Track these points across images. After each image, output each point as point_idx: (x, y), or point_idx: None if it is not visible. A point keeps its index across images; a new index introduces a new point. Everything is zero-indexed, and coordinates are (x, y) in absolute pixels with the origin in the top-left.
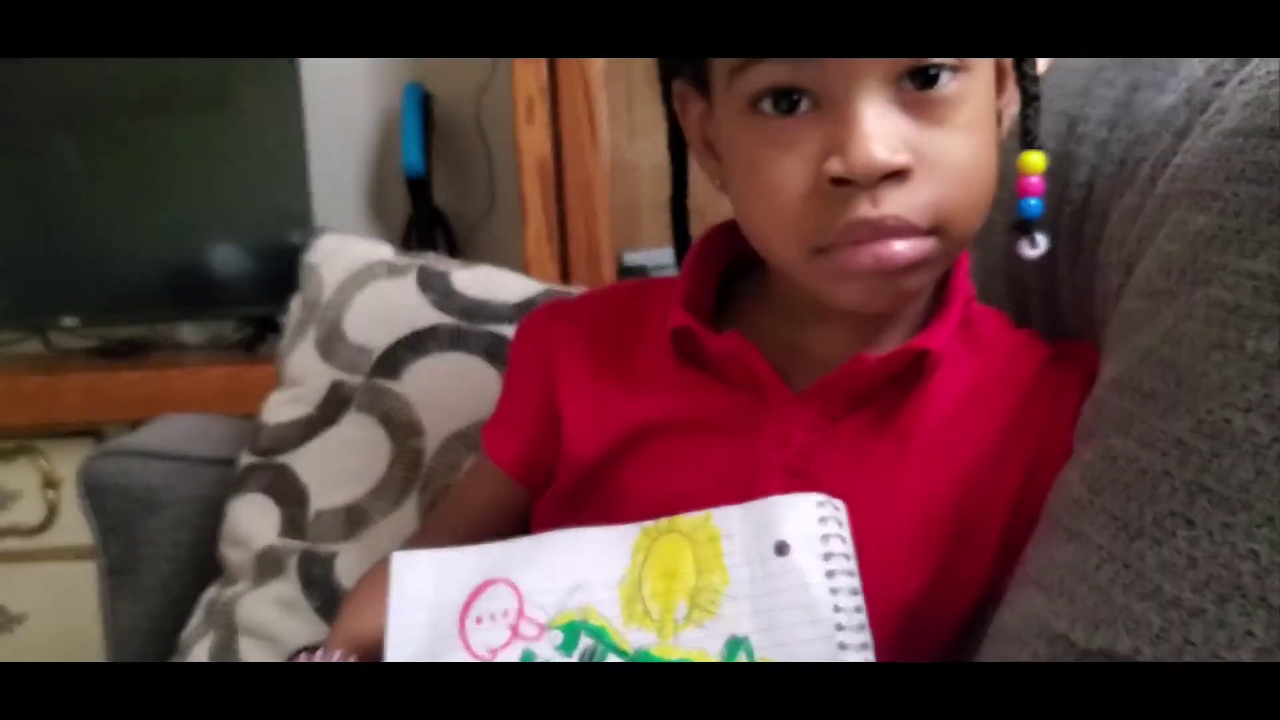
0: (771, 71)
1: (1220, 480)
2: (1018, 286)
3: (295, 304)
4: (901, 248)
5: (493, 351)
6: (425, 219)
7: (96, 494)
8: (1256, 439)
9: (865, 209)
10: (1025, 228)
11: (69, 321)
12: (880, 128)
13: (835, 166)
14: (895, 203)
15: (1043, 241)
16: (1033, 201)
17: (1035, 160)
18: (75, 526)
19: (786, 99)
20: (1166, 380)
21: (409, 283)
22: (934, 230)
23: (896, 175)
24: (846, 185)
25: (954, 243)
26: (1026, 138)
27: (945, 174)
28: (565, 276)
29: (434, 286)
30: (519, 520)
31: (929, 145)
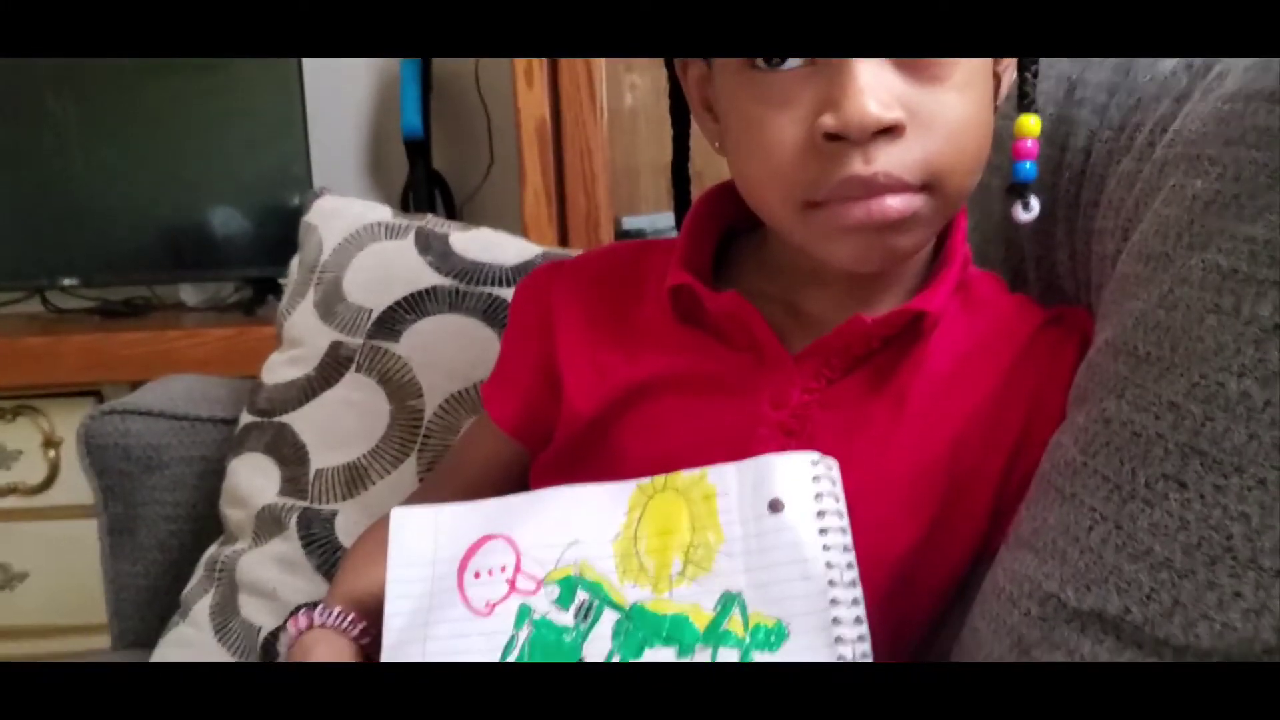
0: None
1: (1213, 444)
2: (1015, 251)
3: (294, 265)
4: (892, 203)
5: (491, 313)
6: (424, 181)
7: (97, 453)
8: (1250, 403)
9: (857, 165)
10: (1019, 191)
11: (69, 282)
12: (874, 84)
13: (829, 122)
14: (887, 160)
15: (1036, 205)
16: (1027, 165)
17: (1031, 124)
18: (76, 486)
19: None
20: (1161, 344)
21: (407, 244)
22: (926, 187)
23: (889, 132)
24: (839, 141)
25: (946, 201)
26: (1023, 101)
27: (938, 132)
28: (564, 240)
29: (432, 248)
30: (517, 480)
31: (922, 103)
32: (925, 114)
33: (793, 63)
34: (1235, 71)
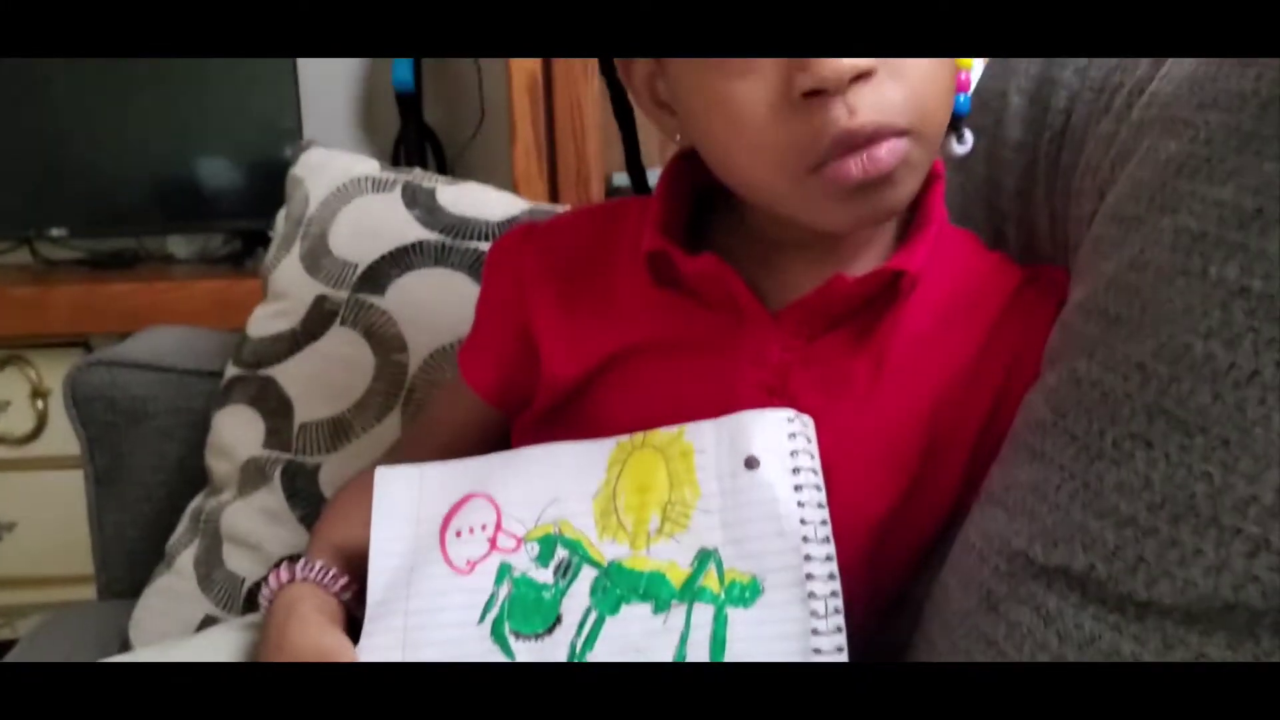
0: None
1: (1179, 404)
2: (996, 212)
3: (280, 218)
4: (884, 153)
5: (477, 268)
6: (415, 136)
7: (84, 404)
8: (1214, 364)
9: (843, 118)
10: (954, 124)
11: (57, 232)
12: None
13: (804, 80)
14: (869, 106)
15: (970, 138)
16: (960, 98)
17: (963, 59)
18: (64, 436)
19: None
20: (1131, 305)
21: (394, 198)
22: (909, 131)
23: (863, 78)
24: (817, 96)
25: (929, 141)
26: None
27: (909, 69)
28: (554, 196)
29: (419, 202)
30: (495, 441)
31: None
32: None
33: None
34: None
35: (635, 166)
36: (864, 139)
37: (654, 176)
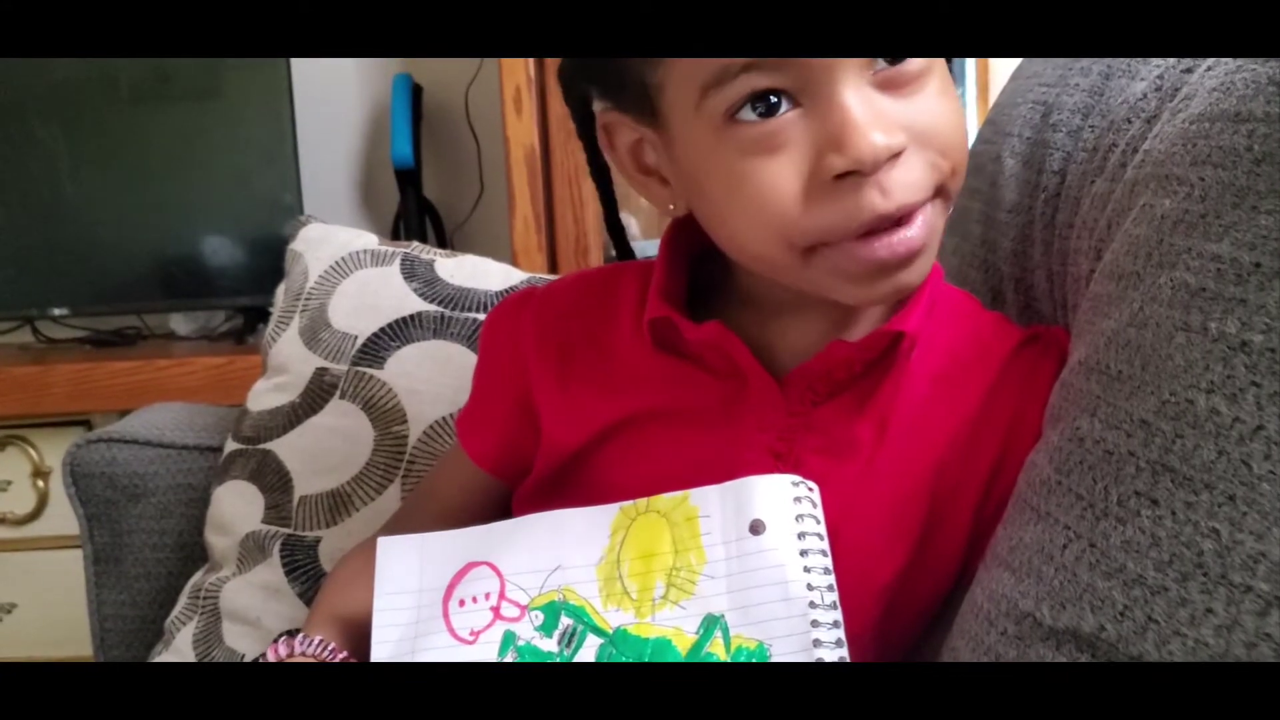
0: (750, 80)
1: (1183, 460)
2: (994, 274)
3: (280, 292)
4: (913, 234)
5: (476, 339)
6: (415, 210)
7: (82, 481)
8: (1218, 419)
9: (877, 201)
10: None
11: (59, 311)
12: (870, 114)
13: (837, 162)
14: (901, 187)
15: None
16: None
17: None
18: (65, 516)
19: (765, 102)
20: (1132, 362)
21: (393, 271)
22: (936, 194)
23: (895, 157)
24: (849, 178)
25: (949, 203)
26: None
27: (936, 142)
28: (554, 267)
29: (418, 274)
30: (496, 510)
31: (915, 118)
32: (920, 128)
33: (783, 110)
34: (1201, 93)
35: (615, 229)
36: (895, 221)
37: (645, 247)
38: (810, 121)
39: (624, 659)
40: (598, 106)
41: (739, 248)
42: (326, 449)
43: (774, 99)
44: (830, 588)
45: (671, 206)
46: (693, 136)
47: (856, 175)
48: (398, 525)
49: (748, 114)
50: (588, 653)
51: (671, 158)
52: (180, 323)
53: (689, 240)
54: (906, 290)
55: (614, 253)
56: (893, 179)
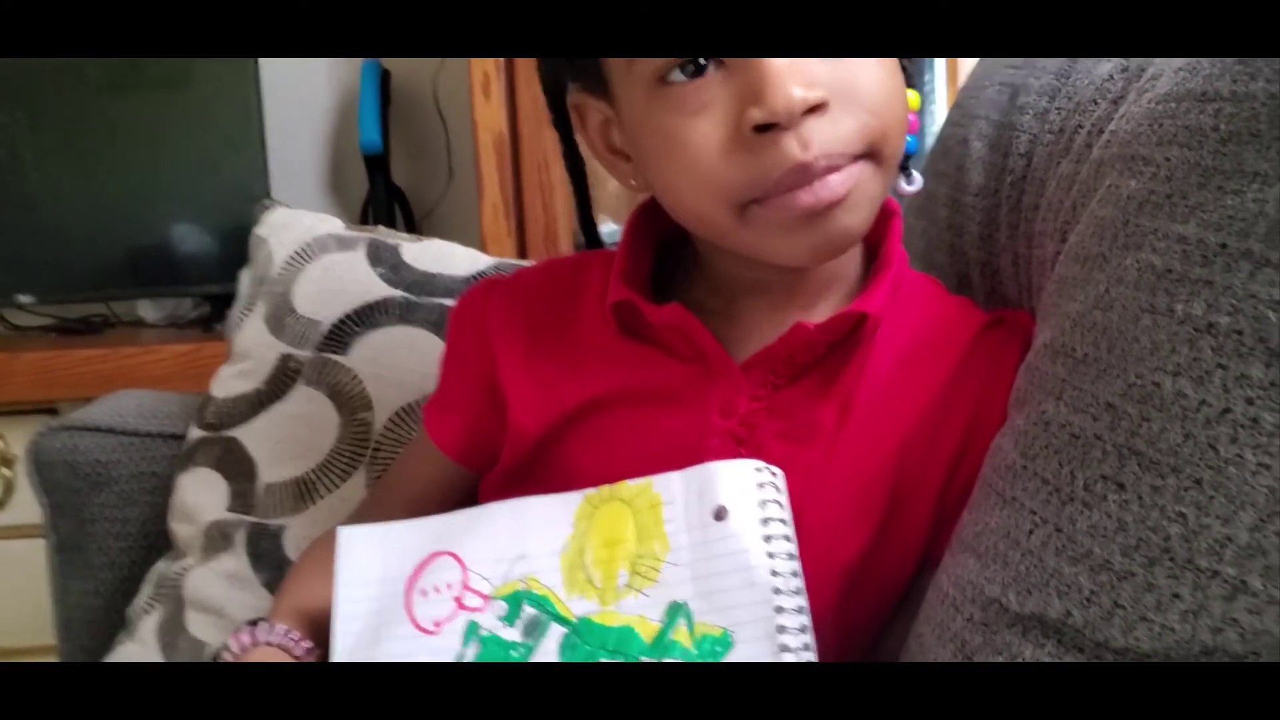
0: None
1: (1150, 444)
2: (960, 257)
3: (244, 278)
4: (836, 180)
5: (442, 325)
6: (383, 196)
7: (45, 470)
8: (1185, 402)
9: (795, 151)
10: (903, 164)
11: (25, 299)
12: (791, 69)
13: (755, 114)
14: (823, 139)
15: (919, 178)
16: (910, 138)
17: (912, 99)
18: (31, 505)
19: (693, 64)
20: (1098, 345)
21: (359, 256)
22: (863, 154)
23: (816, 110)
24: (770, 131)
25: (883, 166)
26: (906, 78)
27: (863, 100)
28: (523, 252)
29: (384, 260)
30: (461, 499)
31: (841, 78)
32: (846, 87)
33: (708, 69)
34: (1167, 73)
35: (587, 219)
36: (818, 172)
37: (615, 233)
38: (733, 78)
39: (588, 648)
40: (570, 90)
41: (683, 210)
42: (291, 436)
43: (702, 61)
44: (795, 574)
45: (634, 182)
46: (632, 101)
47: (777, 128)
48: (364, 514)
49: (677, 75)
50: (551, 642)
51: (622, 128)
52: (148, 310)
53: (656, 226)
54: (838, 243)
55: (583, 240)
56: (813, 130)
